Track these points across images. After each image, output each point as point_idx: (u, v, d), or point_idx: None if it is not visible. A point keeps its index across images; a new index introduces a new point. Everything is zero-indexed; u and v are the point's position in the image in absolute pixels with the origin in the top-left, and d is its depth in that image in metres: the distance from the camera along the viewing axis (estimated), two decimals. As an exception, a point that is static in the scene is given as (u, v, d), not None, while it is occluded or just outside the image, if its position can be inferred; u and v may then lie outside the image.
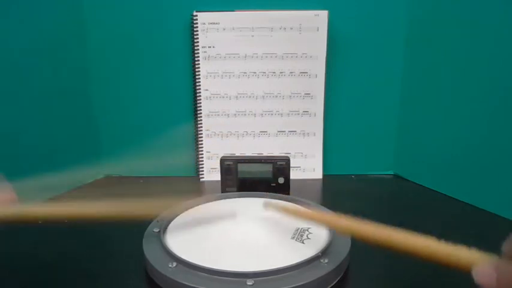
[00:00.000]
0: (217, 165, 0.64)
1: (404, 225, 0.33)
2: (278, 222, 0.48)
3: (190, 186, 0.71)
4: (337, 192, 0.68)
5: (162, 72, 0.70)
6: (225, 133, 0.72)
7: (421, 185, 0.68)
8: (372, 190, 0.69)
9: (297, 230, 0.46)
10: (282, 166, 0.62)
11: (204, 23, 0.68)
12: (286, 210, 0.47)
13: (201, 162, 0.72)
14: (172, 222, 0.48)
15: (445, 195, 0.63)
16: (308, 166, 0.73)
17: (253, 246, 0.43)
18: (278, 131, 0.72)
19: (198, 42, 0.68)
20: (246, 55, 0.69)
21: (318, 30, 0.68)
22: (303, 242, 0.43)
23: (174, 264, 0.38)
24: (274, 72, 0.70)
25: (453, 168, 0.63)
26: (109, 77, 0.71)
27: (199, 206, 0.53)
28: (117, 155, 0.74)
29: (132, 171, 0.74)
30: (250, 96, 0.71)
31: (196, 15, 0.67)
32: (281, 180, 0.62)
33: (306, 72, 0.70)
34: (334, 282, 0.39)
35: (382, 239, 0.34)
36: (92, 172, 0.73)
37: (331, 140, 0.73)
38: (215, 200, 0.55)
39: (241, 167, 0.63)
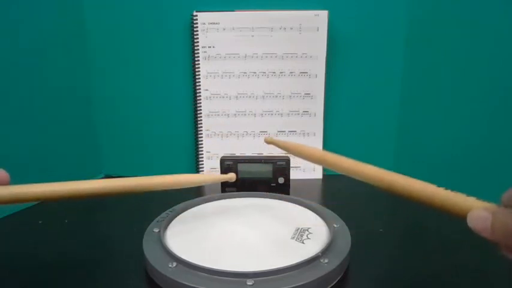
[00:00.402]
0: (217, 165, 0.64)
1: (405, 225, 0.33)
2: (278, 222, 0.48)
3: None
4: (337, 192, 0.68)
5: (162, 72, 0.70)
6: (225, 133, 0.72)
7: (421, 185, 0.68)
8: (372, 190, 0.68)
9: (297, 230, 0.46)
10: (282, 166, 0.62)
11: (204, 23, 0.68)
12: (287, 148, 0.48)
13: (201, 162, 0.72)
14: (172, 222, 0.48)
15: (445, 195, 0.63)
16: (308, 166, 0.73)
17: (253, 246, 0.43)
18: (278, 131, 0.72)
19: (198, 42, 0.68)
20: (246, 55, 0.69)
21: (318, 30, 0.68)
22: (303, 242, 0.43)
23: (174, 264, 0.38)
24: (274, 72, 0.70)
25: (453, 168, 0.63)
26: (109, 77, 0.71)
27: (199, 206, 0.53)
28: (116, 155, 0.74)
29: (132, 171, 0.74)
30: (250, 96, 0.71)
31: (196, 15, 0.67)
32: (281, 180, 0.62)
33: (306, 72, 0.70)
34: (334, 282, 0.39)
35: (383, 182, 0.33)
36: (91, 172, 0.73)
37: (331, 140, 0.73)
38: (215, 200, 0.55)
39: (241, 167, 0.63)
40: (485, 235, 0.25)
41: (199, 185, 0.50)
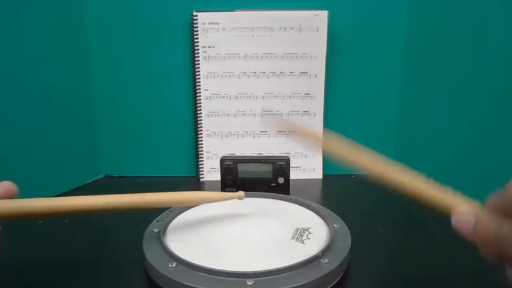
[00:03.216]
0: (217, 165, 0.64)
1: (405, 225, 0.33)
2: (278, 222, 0.48)
3: (190, 186, 0.71)
4: (337, 192, 0.68)
5: (162, 72, 0.70)
6: (225, 133, 0.72)
7: (421, 185, 0.68)
8: (371, 190, 0.68)
9: (297, 230, 0.46)
10: (282, 166, 0.62)
11: (204, 23, 0.68)
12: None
13: (201, 162, 0.72)
14: (172, 222, 0.48)
15: (445, 195, 0.63)
16: (308, 166, 0.73)
17: (253, 246, 0.43)
18: (278, 131, 0.72)
19: (198, 42, 0.68)
20: (246, 55, 0.69)
21: (318, 30, 0.68)
22: (303, 242, 0.43)
23: (174, 264, 0.38)
24: (274, 72, 0.70)
25: (453, 168, 0.63)
26: (109, 77, 0.71)
27: (199, 206, 0.53)
28: (116, 155, 0.74)
29: (132, 171, 0.74)
30: (250, 96, 0.71)
31: (196, 15, 0.67)
32: (281, 180, 0.62)
33: (306, 72, 0.70)
34: (334, 282, 0.39)
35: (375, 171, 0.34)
36: (91, 172, 0.73)
37: (331, 140, 0.73)
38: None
39: (241, 167, 0.63)
40: (466, 237, 0.25)
41: (205, 203, 0.48)
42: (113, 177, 0.74)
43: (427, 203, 0.28)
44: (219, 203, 0.54)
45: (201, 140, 0.72)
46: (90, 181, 0.72)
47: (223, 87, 0.70)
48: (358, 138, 0.75)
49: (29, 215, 0.35)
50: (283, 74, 0.70)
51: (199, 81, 0.70)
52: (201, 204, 0.50)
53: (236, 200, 0.55)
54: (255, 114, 0.71)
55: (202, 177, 0.72)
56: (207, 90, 0.70)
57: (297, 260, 0.38)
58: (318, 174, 0.73)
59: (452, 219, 0.26)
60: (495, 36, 0.55)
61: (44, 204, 0.35)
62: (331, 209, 0.51)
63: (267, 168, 0.62)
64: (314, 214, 0.50)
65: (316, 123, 0.71)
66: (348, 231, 0.45)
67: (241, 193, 0.48)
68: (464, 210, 0.26)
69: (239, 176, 0.63)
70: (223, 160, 0.63)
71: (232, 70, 0.69)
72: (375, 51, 0.70)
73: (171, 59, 0.70)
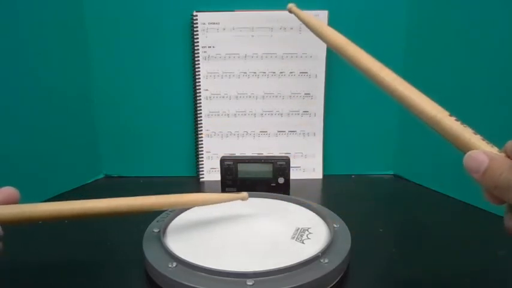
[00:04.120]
0: (217, 165, 0.64)
1: (405, 225, 0.33)
2: (278, 222, 0.48)
3: (190, 186, 0.71)
4: (337, 192, 0.68)
5: (162, 72, 0.70)
6: (225, 133, 0.72)
7: (421, 185, 0.68)
8: (372, 190, 0.69)
9: (297, 230, 0.46)
10: (282, 166, 0.62)
11: (204, 23, 0.68)
12: (307, 22, 0.44)
13: (201, 162, 0.72)
14: (172, 222, 0.48)
15: (445, 195, 0.63)
16: (308, 166, 0.73)
17: (253, 246, 0.43)
18: (278, 131, 0.72)
19: (198, 42, 0.68)
20: (246, 55, 0.69)
21: (318, 30, 0.68)
22: (303, 242, 0.43)
23: (174, 264, 0.38)
24: (274, 72, 0.70)
25: (453, 168, 0.62)
26: (109, 77, 0.71)
27: (199, 206, 0.53)
28: (116, 155, 0.74)
29: (132, 171, 0.74)
30: (250, 96, 0.71)
31: (196, 15, 0.67)
32: (281, 180, 0.62)
33: (306, 72, 0.70)
34: (334, 282, 0.39)
35: (396, 93, 0.33)
36: (91, 172, 0.73)
37: (331, 140, 0.73)
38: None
39: (241, 167, 0.63)
40: (475, 176, 0.25)
41: (207, 204, 0.47)
42: (113, 177, 0.74)
43: (444, 135, 0.27)
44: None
45: (201, 140, 0.72)
46: (90, 181, 0.72)
47: (223, 87, 0.70)
48: (358, 138, 0.76)
49: (29, 220, 0.35)
50: (283, 74, 0.70)
51: (199, 81, 0.70)
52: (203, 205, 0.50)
53: (236, 200, 0.55)
54: (255, 114, 0.71)
55: (202, 177, 0.72)
56: (207, 90, 0.70)
57: (297, 260, 0.38)
58: (318, 174, 0.73)
59: (465, 156, 0.25)
60: (495, 35, 0.55)
61: (44, 209, 0.35)
62: (331, 209, 0.51)
63: (267, 168, 0.62)
64: (314, 214, 0.50)
65: (316, 123, 0.71)
66: (348, 231, 0.45)
67: (244, 194, 0.48)
68: (479, 150, 0.25)
69: (239, 176, 0.63)
70: (223, 160, 0.63)
71: (232, 70, 0.69)
72: (375, 51, 0.70)
73: (171, 59, 0.70)
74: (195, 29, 0.68)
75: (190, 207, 0.51)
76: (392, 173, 0.75)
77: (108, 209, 0.38)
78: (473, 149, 0.25)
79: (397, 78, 0.33)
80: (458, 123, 0.27)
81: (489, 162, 0.24)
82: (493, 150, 0.25)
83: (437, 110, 0.29)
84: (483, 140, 0.26)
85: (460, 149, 0.26)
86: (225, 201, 0.47)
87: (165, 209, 0.47)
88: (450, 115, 0.28)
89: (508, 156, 0.24)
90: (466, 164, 0.25)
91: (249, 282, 0.35)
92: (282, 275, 0.37)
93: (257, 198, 0.55)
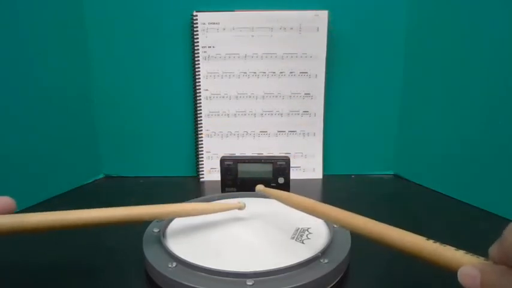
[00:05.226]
0: (217, 165, 0.64)
1: (404, 226, 0.33)
2: (278, 222, 0.48)
3: (190, 186, 0.71)
4: (337, 192, 0.68)
5: (162, 72, 0.70)
6: (225, 133, 0.72)
7: (421, 185, 0.68)
8: (372, 190, 0.69)
9: (297, 230, 0.46)
10: (282, 166, 0.62)
11: (204, 23, 0.68)
12: (278, 197, 0.48)
13: (201, 162, 0.72)
14: (172, 222, 0.48)
15: (445, 195, 0.63)
16: (308, 166, 0.73)
17: (253, 246, 0.43)
18: (278, 131, 0.72)
19: (198, 42, 0.68)
20: (246, 55, 0.69)
21: (318, 30, 0.68)
22: (302, 242, 0.43)
23: (174, 264, 0.38)
24: (274, 72, 0.70)
25: (453, 168, 0.63)
26: (109, 77, 0.71)
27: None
28: (116, 155, 0.74)
29: (132, 171, 0.74)
30: (250, 96, 0.71)
31: (196, 15, 0.67)
32: (281, 180, 0.62)
33: (306, 72, 0.70)
34: (334, 282, 0.39)
35: (373, 233, 0.34)
36: (91, 172, 0.73)
37: (331, 140, 0.73)
38: (215, 200, 0.55)
39: (241, 167, 0.63)
40: None
41: (205, 214, 0.48)
42: (113, 177, 0.74)
43: (428, 261, 0.29)
44: (219, 202, 0.54)
45: (201, 140, 0.72)
46: (89, 181, 0.72)
47: (223, 87, 0.70)
48: (358, 138, 0.76)
49: (23, 231, 0.34)
50: (283, 74, 0.70)
51: (199, 81, 0.70)
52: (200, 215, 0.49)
53: (236, 200, 0.55)
54: (255, 114, 0.71)
55: (202, 177, 0.72)
56: (207, 90, 0.70)
57: (297, 260, 0.38)
58: (318, 174, 0.73)
59: (458, 276, 0.26)
60: (495, 36, 0.55)
61: (39, 219, 0.35)
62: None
63: (267, 168, 0.62)
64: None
65: (316, 123, 0.71)
66: (348, 231, 0.45)
67: (241, 204, 0.49)
68: (468, 266, 0.26)
69: (239, 176, 0.63)
70: (223, 160, 0.63)
71: (232, 70, 0.69)
72: (375, 51, 0.70)
73: (171, 59, 0.70)
74: (195, 29, 0.68)
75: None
76: (392, 173, 0.75)
77: (102, 219, 0.39)
78: (460, 266, 0.26)
79: (370, 221, 0.34)
80: (438, 245, 0.28)
81: (481, 276, 0.25)
82: (480, 260, 0.26)
83: (416, 240, 0.31)
84: (466, 254, 0.27)
85: (448, 269, 0.27)
86: (221, 211, 0.48)
87: (161, 219, 0.47)
88: (428, 239, 0.30)
89: (496, 263, 0.25)
90: (462, 282, 0.26)
91: (249, 282, 0.35)
92: (282, 275, 0.37)
93: (257, 198, 0.55)
